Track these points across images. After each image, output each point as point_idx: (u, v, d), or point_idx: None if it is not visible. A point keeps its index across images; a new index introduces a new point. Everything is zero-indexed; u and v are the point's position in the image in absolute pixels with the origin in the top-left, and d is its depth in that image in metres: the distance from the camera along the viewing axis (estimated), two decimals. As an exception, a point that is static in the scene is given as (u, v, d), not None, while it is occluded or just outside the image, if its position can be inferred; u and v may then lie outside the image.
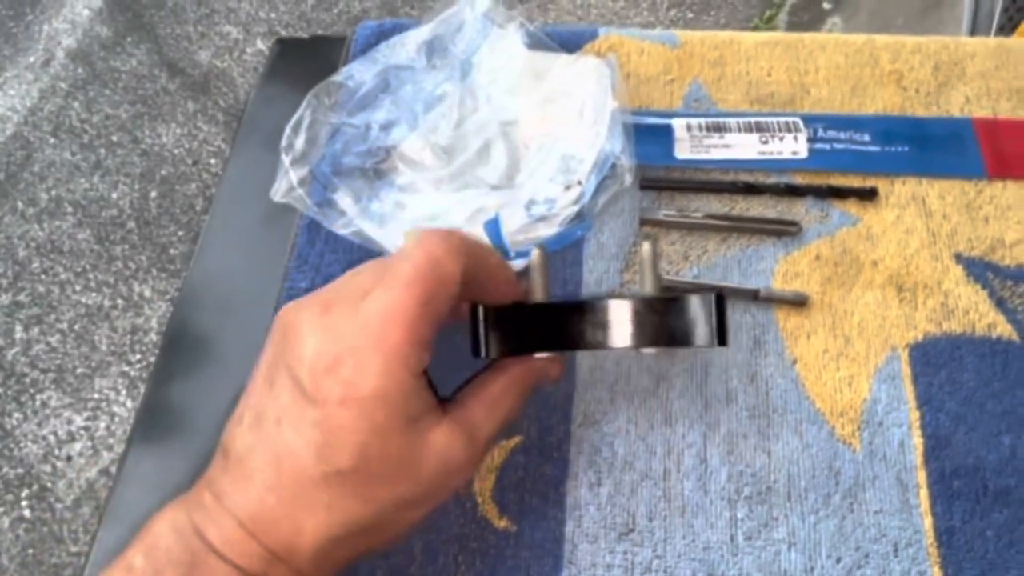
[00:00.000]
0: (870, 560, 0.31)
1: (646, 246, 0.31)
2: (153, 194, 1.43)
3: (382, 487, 0.25)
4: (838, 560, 0.31)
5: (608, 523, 0.32)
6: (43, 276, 1.35)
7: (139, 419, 0.38)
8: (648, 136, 0.41)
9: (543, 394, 0.35)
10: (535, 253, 0.31)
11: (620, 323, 0.29)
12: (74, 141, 1.50)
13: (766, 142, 0.41)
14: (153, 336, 1.28)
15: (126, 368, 1.26)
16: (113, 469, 1.14)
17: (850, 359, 0.36)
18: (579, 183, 0.39)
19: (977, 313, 0.36)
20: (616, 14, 1.59)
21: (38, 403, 1.23)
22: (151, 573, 0.24)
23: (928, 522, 0.32)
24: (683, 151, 0.41)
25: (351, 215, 0.39)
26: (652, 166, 0.41)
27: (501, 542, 0.32)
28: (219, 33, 1.64)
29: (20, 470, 1.18)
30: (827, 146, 0.41)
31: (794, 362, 0.36)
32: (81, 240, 1.39)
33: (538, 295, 0.30)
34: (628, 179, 0.39)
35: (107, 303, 1.32)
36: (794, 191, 0.40)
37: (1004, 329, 0.36)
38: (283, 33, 1.61)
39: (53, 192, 1.44)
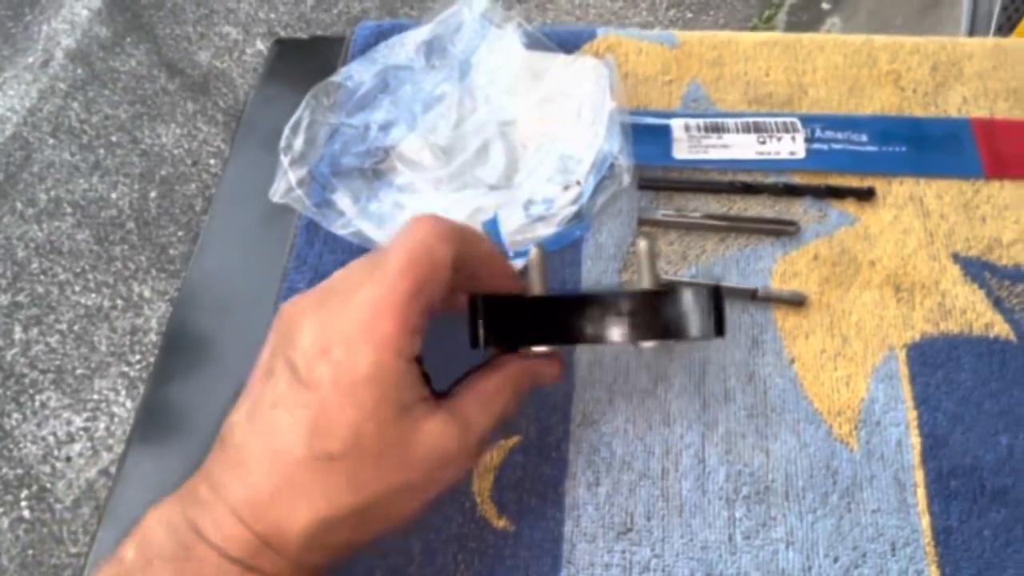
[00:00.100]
0: (868, 559, 0.31)
1: (643, 243, 0.31)
2: (152, 194, 1.43)
3: (372, 473, 0.25)
4: (836, 559, 0.31)
5: (606, 523, 0.33)
6: (42, 277, 1.35)
7: (138, 419, 0.38)
8: (646, 136, 0.41)
9: (542, 394, 0.35)
10: (533, 251, 0.31)
11: (617, 317, 0.29)
12: (73, 141, 1.50)
13: (764, 142, 0.41)
14: (153, 336, 1.28)
15: (126, 369, 1.26)
16: (113, 469, 1.14)
17: (848, 359, 0.36)
18: (577, 183, 0.39)
19: (974, 313, 0.36)
20: (615, 14, 1.59)
21: (37, 404, 1.23)
22: (142, 565, 0.25)
23: (925, 521, 0.32)
24: (681, 151, 0.41)
25: (350, 215, 0.39)
26: (650, 166, 0.41)
27: (500, 542, 0.32)
28: (218, 33, 1.64)
29: (20, 471, 1.18)
30: (825, 146, 0.41)
31: (792, 361, 0.36)
32: (80, 241, 1.39)
33: (536, 292, 0.30)
34: (626, 179, 0.39)
35: (106, 304, 1.32)
36: (792, 191, 0.40)
37: (1001, 329, 0.36)
38: (282, 33, 1.61)
39: (52, 193, 1.44)
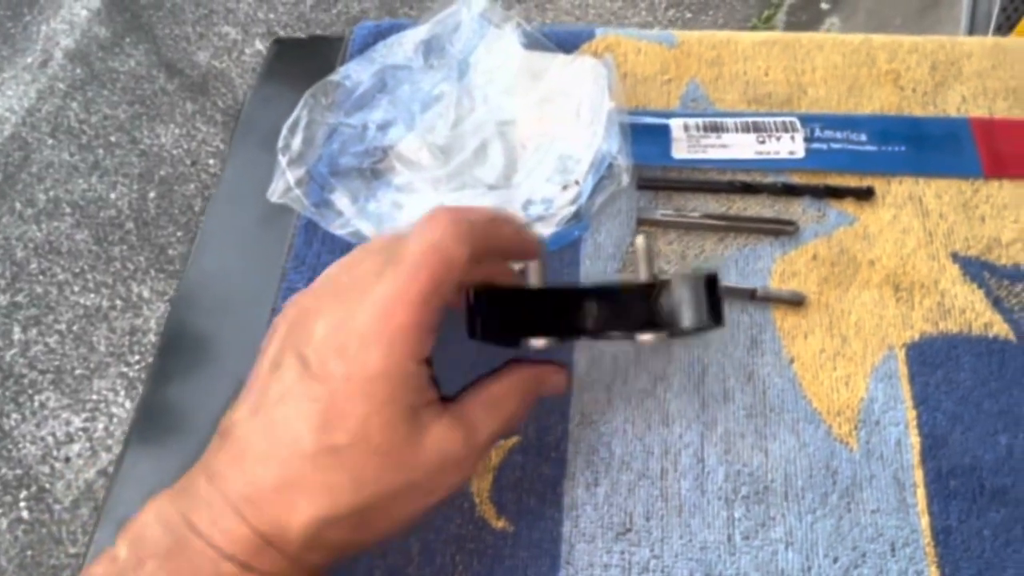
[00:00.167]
0: (867, 559, 0.31)
1: (641, 239, 0.31)
2: (152, 195, 1.43)
3: (376, 471, 0.25)
4: (835, 560, 0.31)
5: (605, 523, 0.32)
6: (41, 277, 1.35)
7: (136, 419, 0.38)
8: (645, 136, 0.41)
9: (540, 394, 0.35)
10: None
11: (614, 308, 0.30)
12: (72, 142, 1.50)
13: (763, 142, 0.41)
14: (152, 337, 1.28)
15: (125, 369, 1.26)
16: (112, 470, 1.14)
17: (847, 358, 0.36)
18: (576, 183, 0.39)
19: (974, 312, 0.36)
20: (614, 14, 1.59)
21: (36, 404, 1.23)
22: (134, 563, 0.24)
23: (925, 521, 0.32)
24: (680, 151, 0.41)
25: (348, 215, 0.39)
26: (649, 166, 0.41)
27: (499, 542, 0.32)
28: (217, 34, 1.64)
29: (19, 471, 1.18)
30: (824, 146, 0.41)
31: (791, 361, 0.36)
32: (79, 241, 1.39)
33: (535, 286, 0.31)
34: (625, 179, 0.39)
35: (106, 304, 1.32)
36: (791, 191, 0.40)
37: (1001, 328, 0.36)
38: (282, 34, 1.61)
39: (51, 193, 1.44)
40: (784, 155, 0.41)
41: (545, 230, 0.39)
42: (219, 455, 0.26)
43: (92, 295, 1.33)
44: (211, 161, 1.46)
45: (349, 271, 0.28)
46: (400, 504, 0.26)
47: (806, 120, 0.42)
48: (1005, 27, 0.84)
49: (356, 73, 0.43)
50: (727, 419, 0.34)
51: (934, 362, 0.35)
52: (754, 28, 1.53)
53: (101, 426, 1.21)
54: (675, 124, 0.42)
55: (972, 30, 0.88)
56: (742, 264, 0.38)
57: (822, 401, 0.35)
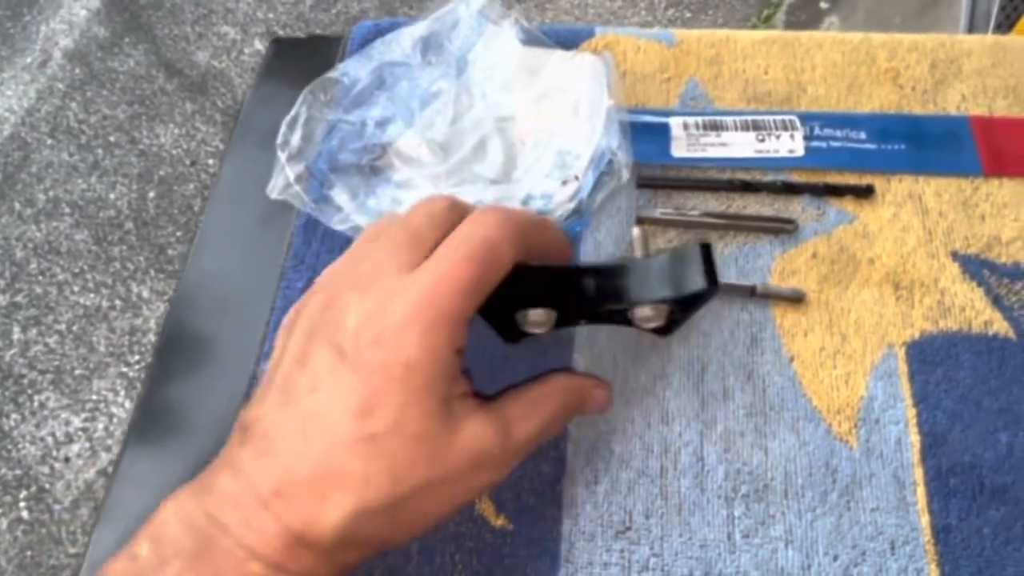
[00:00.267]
0: (867, 558, 0.31)
1: (637, 229, 0.32)
2: (151, 195, 1.43)
3: (411, 462, 0.25)
4: (835, 558, 0.31)
5: (605, 521, 0.32)
6: (41, 277, 1.35)
7: (136, 420, 0.38)
8: (645, 134, 0.41)
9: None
10: None
11: (611, 284, 0.30)
12: (72, 142, 1.50)
13: (763, 140, 0.41)
14: (151, 337, 1.28)
15: (124, 369, 1.26)
16: (111, 470, 1.13)
17: (847, 356, 0.36)
18: (576, 178, 0.39)
19: (973, 311, 0.36)
20: (614, 14, 1.59)
21: (36, 404, 1.23)
22: (156, 563, 0.23)
23: (925, 519, 0.32)
24: (680, 149, 0.41)
25: (348, 211, 0.39)
26: (649, 164, 0.41)
27: (498, 541, 0.32)
28: (217, 33, 1.64)
29: (18, 471, 1.18)
30: (824, 144, 0.41)
31: (791, 359, 0.36)
32: (79, 241, 1.39)
33: None
34: (625, 175, 0.39)
35: (105, 304, 1.32)
36: (791, 189, 0.40)
37: (1000, 327, 0.36)
38: (281, 33, 1.61)
39: (51, 193, 1.44)
40: (784, 153, 0.41)
41: (544, 228, 0.39)
42: (243, 450, 0.25)
43: (92, 295, 1.33)
44: (210, 161, 1.46)
45: (363, 263, 0.27)
46: (432, 499, 0.26)
47: (806, 118, 0.42)
48: (1005, 26, 0.84)
49: (354, 70, 0.43)
50: (727, 417, 0.34)
51: (934, 360, 0.35)
52: (754, 27, 1.53)
53: (101, 426, 1.21)
54: (674, 123, 0.42)
55: (971, 29, 0.88)
56: (742, 262, 0.38)
57: (822, 399, 0.35)
